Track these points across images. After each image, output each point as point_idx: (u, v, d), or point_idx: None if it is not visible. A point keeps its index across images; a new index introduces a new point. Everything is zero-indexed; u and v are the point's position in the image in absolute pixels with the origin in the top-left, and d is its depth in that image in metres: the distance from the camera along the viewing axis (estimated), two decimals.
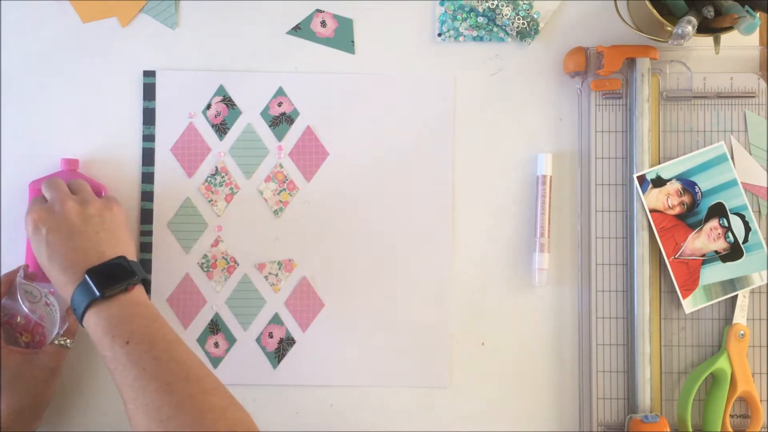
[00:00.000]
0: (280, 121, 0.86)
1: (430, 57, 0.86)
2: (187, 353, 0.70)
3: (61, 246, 0.74)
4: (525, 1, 0.86)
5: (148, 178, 0.85)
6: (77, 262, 0.73)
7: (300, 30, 0.86)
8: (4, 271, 0.82)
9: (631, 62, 0.83)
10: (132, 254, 0.76)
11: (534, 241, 0.85)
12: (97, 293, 0.71)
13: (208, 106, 0.86)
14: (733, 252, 0.82)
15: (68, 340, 0.79)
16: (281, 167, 0.86)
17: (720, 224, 0.82)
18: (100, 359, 0.83)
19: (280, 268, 0.85)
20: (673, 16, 0.78)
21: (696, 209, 0.83)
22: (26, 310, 0.78)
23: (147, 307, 0.73)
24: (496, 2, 0.85)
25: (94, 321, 0.71)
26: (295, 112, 0.86)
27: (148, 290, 0.76)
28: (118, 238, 0.77)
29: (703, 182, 0.83)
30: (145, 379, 0.67)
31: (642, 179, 0.82)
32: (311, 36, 0.86)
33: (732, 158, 0.83)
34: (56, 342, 0.78)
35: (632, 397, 0.82)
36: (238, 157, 0.86)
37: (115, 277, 0.72)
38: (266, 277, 0.85)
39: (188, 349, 0.71)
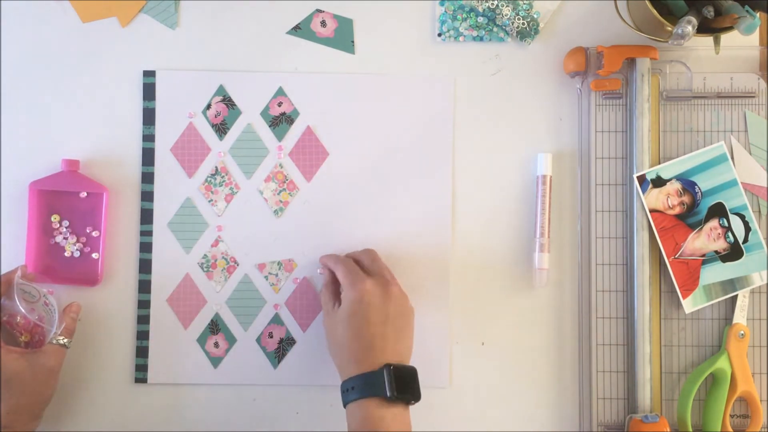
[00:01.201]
0: (280, 121, 0.86)
1: (430, 57, 0.86)
2: None
3: (378, 327, 0.76)
4: (525, 1, 0.85)
5: (148, 178, 0.85)
6: (383, 345, 0.75)
7: (300, 30, 0.86)
8: (4, 271, 0.82)
9: (631, 62, 0.83)
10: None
11: (534, 241, 0.85)
12: (388, 393, 0.73)
13: (208, 106, 0.86)
14: (733, 252, 0.82)
15: (67, 340, 0.79)
16: (281, 167, 0.86)
17: (720, 224, 0.82)
18: (99, 359, 0.84)
19: (280, 268, 0.85)
20: (673, 16, 0.78)
21: (696, 209, 0.83)
22: (23, 311, 0.77)
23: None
24: (496, 2, 0.85)
25: (363, 414, 0.73)
26: (295, 112, 0.86)
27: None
28: (410, 346, 0.78)
29: (703, 182, 0.83)
30: None
31: (642, 179, 0.82)
32: (311, 36, 0.86)
33: (732, 158, 0.83)
34: (55, 341, 0.78)
35: (632, 397, 0.82)
36: (238, 157, 0.86)
37: (407, 387, 0.74)
38: (266, 277, 0.85)
39: None
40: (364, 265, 0.80)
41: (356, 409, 0.74)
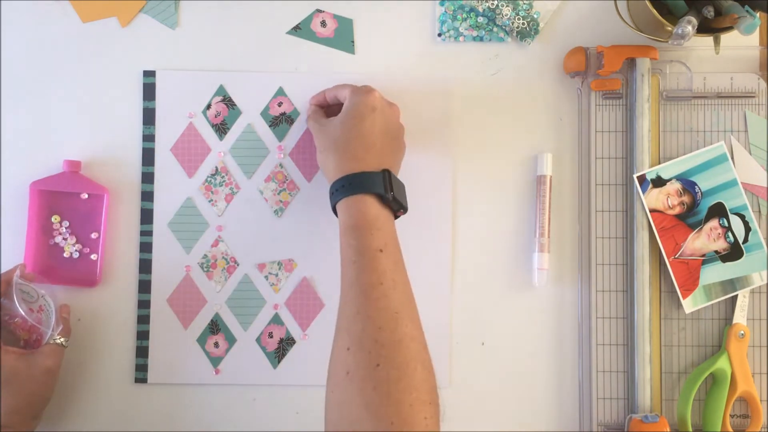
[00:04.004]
0: (280, 121, 0.86)
1: (430, 57, 0.86)
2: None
3: (380, 134, 0.76)
4: (525, 1, 0.86)
5: (148, 178, 0.85)
6: (382, 151, 0.76)
7: (300, 30, 0.86)
8: (3, 271, 0.82)
9: (631, 62, 0.83)
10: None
11: (534, 241, 0.85)
12: (386, 192, 0.73)
13: (208, 106, 0.86)
14: (733, 252, 0.82)
15: (64, 339, 0.79)
16: (281, 167, 0.86)
17: (720, 224, 0.82)
18: (97, 358, 0.84)
19: (280, 268, 0.85)
20: (673, 16, 0.79)
21: (696, 209, 0.83)
22: (21, 312, 0.77)
23: (397, 239, 0.75)
24: (496, 2, 0.85)
25: (360, 208, 0.72)
26: (295, 112, 0.86)
27: None
28: (400, 165, 0.80)
29: (703, 182, 0.83)
30: (382, 291, 0.69)
31: (642, 179, 0.82)
32: (311, 36, 0.86)
33: (732, 158, 0.83)
34: (52, 341, 0.78)
35: (632, 397, 0.82)
36: (238, 157, 0.86)
37: (401, 188, 0.76)
38: (266, 277, 0.85)
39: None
40: None
41: (353, 203, 0.73)
